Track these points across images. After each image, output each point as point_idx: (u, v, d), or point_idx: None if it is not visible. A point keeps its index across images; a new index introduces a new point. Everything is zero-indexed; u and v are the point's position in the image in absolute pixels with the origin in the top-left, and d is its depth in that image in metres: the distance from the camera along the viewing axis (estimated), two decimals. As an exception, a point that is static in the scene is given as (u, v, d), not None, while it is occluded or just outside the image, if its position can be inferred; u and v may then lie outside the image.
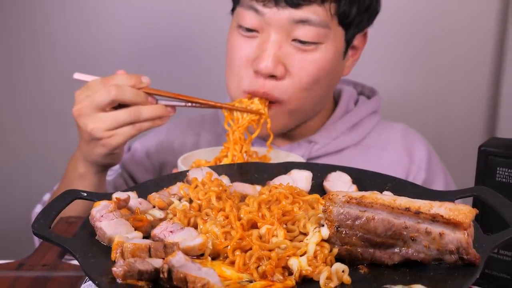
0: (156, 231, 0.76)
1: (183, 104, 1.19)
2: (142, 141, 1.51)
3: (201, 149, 1.28)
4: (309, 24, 1.20)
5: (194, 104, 1.19)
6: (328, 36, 1.23)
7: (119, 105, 1.14)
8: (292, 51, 1.22)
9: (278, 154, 1.24)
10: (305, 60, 1.23)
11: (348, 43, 1.30)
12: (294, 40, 1.22)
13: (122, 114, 1.12)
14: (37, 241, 1.36)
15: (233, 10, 1.31)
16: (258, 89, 1.23)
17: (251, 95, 1.25)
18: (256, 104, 1.24)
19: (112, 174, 1.43)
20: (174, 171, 1.14)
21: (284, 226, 0.79)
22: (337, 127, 1.40)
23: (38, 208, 1.38)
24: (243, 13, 1.23)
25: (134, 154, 1.48)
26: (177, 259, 0.66)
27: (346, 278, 0.68)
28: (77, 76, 1.20)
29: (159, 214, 0.83)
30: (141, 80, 1.14)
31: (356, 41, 1.34)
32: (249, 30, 1.24)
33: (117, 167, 1.45)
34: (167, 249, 0.71)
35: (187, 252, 0.72)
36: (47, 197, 1.39)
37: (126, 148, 1.50)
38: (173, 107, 1.18)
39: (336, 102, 1.46)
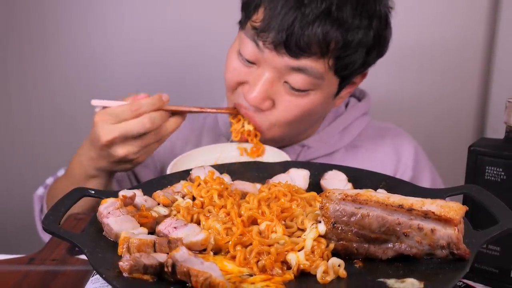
0: (160, 227, 0.78)
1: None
2: None
3: (190, 151, 1.29)
4: (304, 73, 1.19)
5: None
6: (321, 85, 1.22)
7: None
8: (282, 91, 1.22)
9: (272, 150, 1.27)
10: (292, 102, 1.23)
11: (342, 87, 1.29)
12: (286, 82, 1.21)
13: (150, 137, 1.15)
14: (42, 235, 1.38)
15: (240, 22, 1.28)
16: (242, 109, 1.26)
17: (237, 109, 1.28)
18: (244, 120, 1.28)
19: None
20: None
21: (283, 222, 0.80)
22: (329, 131, 1.41)
23: (40, 191, 1.40)
24: (246, 41, 1.22)
25: None
26: (181, 254, 0.67)
27: (342, 272, 0.70)
28: (95, 102, 1.18)
29: (163, 211, 0.84)
30: (163, 100, 1.16)
31: (354, 79, 1.32)
32: (248, 61, 1.23)
33: None
34: (171, 244, 0.73)
35: (190, 247, 0.73)
36: (50, 181, 1.40)
37: None
38: (184, 115, 1.21)
39: None
